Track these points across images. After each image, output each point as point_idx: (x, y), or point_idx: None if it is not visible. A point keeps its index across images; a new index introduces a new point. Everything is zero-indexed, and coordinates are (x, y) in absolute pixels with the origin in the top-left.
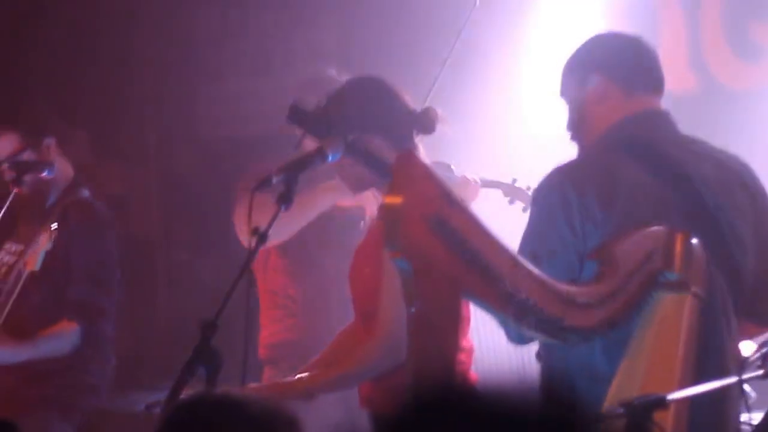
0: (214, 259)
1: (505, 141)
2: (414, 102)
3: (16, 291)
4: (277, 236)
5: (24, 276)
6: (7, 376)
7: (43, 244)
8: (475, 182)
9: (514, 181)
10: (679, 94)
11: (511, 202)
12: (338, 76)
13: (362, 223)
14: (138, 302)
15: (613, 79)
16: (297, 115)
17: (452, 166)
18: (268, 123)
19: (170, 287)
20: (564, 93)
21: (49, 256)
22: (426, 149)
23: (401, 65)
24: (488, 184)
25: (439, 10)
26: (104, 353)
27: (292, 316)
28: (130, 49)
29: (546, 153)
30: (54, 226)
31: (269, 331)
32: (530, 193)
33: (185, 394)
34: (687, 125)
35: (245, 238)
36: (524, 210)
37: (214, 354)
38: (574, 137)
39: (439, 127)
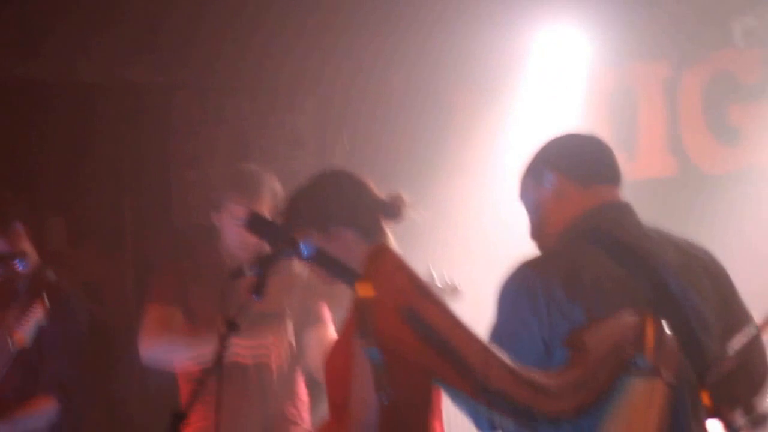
0: None
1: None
2: (385, 189)
3: (3, 371)
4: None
5: (13, 354)
6: None
7: (34, 318)
8: None
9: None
10: (658, 179)
11: None
12: (260, 171)
13: (279, 318)
14: (111, 388)
15: (568, 175)
16: (256, 225)
17: None
18: None
19: (143, 372)
20: (522, 196)
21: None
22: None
23: (380, 149)
24: None
25: (418, 93)
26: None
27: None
28: (106, 135)
29: (516, 242)
30: (46, 300)
31: (194, 427)
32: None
33: None
34: (666, 209)
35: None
36: None
37: None
38: (535, 239)
39: (407, 214)
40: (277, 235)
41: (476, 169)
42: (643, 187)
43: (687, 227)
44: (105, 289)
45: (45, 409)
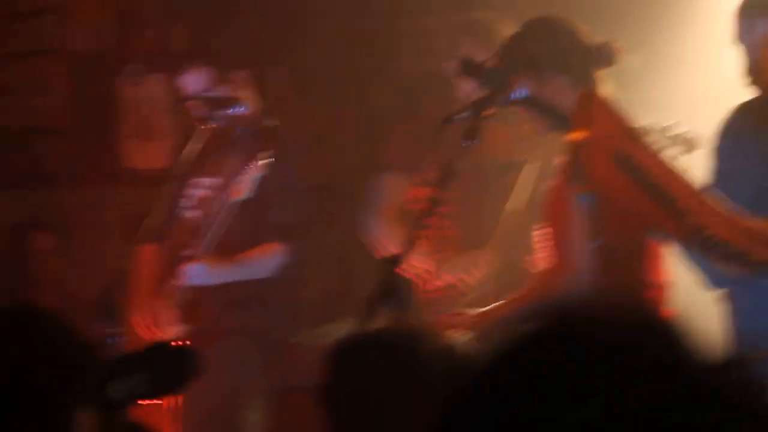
0: None
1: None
2: (596, 35)
3: (225, 220)
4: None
5: (232, 205)
6: (208, 304)
7: (253, 172)
8: None
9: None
10: None
11: None
12: (495, 19)
13: (515, 167)
14: (337, 237)
15: None
16: (469, 69)
17: None
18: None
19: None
20: (737, 39)
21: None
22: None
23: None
24: None
25: None
26: (300, 279)
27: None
28: None
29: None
30: (265, 154)
31: (414, 269)
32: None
33: (377, 326)
34: None
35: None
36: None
37: (402, 288)
38: (750, 82)
39: (620, 60)
40: (491, 79)
41: (696, 17)
42: None
43: None
44: (329, 137)
45: (273, 252)
